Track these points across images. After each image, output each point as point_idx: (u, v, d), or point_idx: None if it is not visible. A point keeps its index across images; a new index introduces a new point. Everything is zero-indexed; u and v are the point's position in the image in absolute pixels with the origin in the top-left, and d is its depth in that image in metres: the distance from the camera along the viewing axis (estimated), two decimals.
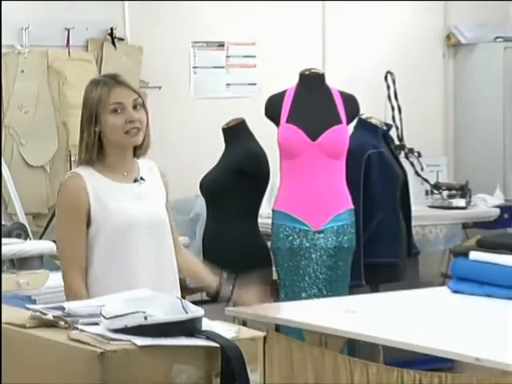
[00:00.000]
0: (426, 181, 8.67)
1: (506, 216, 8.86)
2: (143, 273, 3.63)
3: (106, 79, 3.65)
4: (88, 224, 3.58)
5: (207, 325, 3.00)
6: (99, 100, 3.53)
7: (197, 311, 2.92)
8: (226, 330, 3.02)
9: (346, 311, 5.07)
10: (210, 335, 2.88)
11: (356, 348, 5.39)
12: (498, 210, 8.64)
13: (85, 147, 3.58)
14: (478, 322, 5.37)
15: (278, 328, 5.18)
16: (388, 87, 8.83)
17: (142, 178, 3.68)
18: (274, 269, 6.60)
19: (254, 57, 8.33)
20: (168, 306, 2.99)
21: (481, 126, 9.72)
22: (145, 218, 3.62)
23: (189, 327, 2.92)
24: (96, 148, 3.57)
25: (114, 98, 3.54)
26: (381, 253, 7.05)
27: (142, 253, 3.61)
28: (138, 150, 3.68)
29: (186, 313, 2.90)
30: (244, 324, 5.09)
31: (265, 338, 3.44)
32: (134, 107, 3.56)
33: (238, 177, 6.54)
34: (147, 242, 3.62)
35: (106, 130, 3.57)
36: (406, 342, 4.84)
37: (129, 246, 3.59)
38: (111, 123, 3.53)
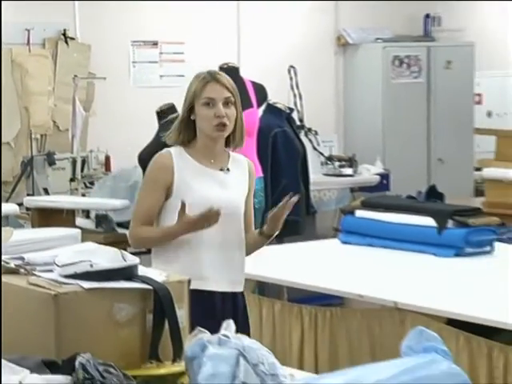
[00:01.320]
0: (322, 154, 8.73)
1: (384, 182, 9.00)
2: (207, 253, 3.47)
3: (207, 75, 3.49)
4: (168, 196, 3.48)
5: (142, 271, 3.05)
6: (195, 92, 3.41)
7: (133, 260, 2.97)
8: (158, 275, 3.05)
9: (255, 258, 5.00)
10: (144, 279, 2.93)
11: (265, 289, 5.41)
12: (378, 177, 8.78)
13: (181, 130, 3.46)
14: (361, 265, 5.47)
15: None
16: (291, 78, 8.92)
17: (228, 169, 3.50)
18: None
19: (182, 53, 8.45)
20: (110, 256, 3.01)
21: (364, 110, 9.81)
22: (221, 204, 3.37)
23: (127, 273, 2.95)
24: (190, 133, 3.46)
25: (207, 93, 3.40)
26: None
27: (208, 235, 3.41)
28: (230, 143, 3.51)
29: (125, 261, 2.94)
30: None
31: (189, 281, 3.47)
32: (226, 104, 3.39)
33: None
34: (217, 227, 3.38)
35: (198, 120, 3.45)
36: (305, 282, 4.95)
37: None
38: (202, 115, 3.40)
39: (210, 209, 3.34)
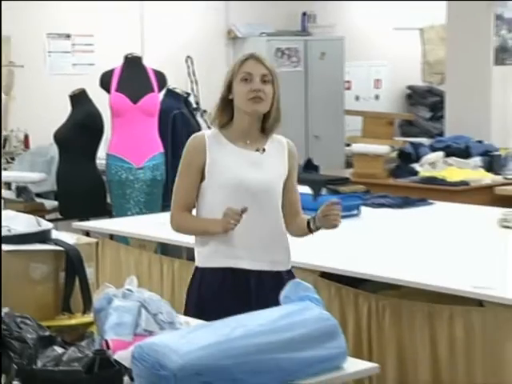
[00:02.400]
0: None
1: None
2: (242, 233, 3.11)
3: (246, 55, 3.17)
4: (202, 178, 3.17)
5: (56, 235, 3.04)
6: (233, 70, 3.11)
7: (47, 225, 2.98)
8: (70, 238, 3.04)
9: (159, 223, 4.99)
10: (57, 242, 2.93)
11: (169, 249, 5.29)
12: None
13: (218, 112, 3.13)
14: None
15: (112, 237, 5.11)
16: (188, 67, 8.92)
17: (263, 150, 3.15)
18: (108, 195, 6.65)
19: (91, 45, 8.38)
20: (26, 222, 3.00)
21: None
22: (255, 184, 3.10)
23: (41, 236, 2.95)
24: (227, 114, 3.12)
25: (244, 68, 3.08)
26: None
27: (243, 215, 3.07)
28: (266, 124, 3.15)
29: (40, 226, 2.93)
30: (87, 234, 4.98)
31: (97, 243, 3.51)
32: (263, 81, 3.07)
33: (81, 131, 6.55)
34: (253, 207, 3.06)
35: (235, 97, 3.12)
36: None
37: (233, 205, 3.05)
38: (239, 90, 3.06)
39: (229, 209, 3.04)
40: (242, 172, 3.11)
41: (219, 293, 3.14)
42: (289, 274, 3.24)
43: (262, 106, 3.06)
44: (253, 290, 3.15)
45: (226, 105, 3.11)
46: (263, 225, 3.28)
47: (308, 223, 3.21)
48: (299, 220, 3.30)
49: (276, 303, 2.72)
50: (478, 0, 9.05)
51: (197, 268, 3.21)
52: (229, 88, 3.09)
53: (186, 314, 3.06)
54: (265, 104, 3.06)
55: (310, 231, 3.23)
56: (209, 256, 3.14)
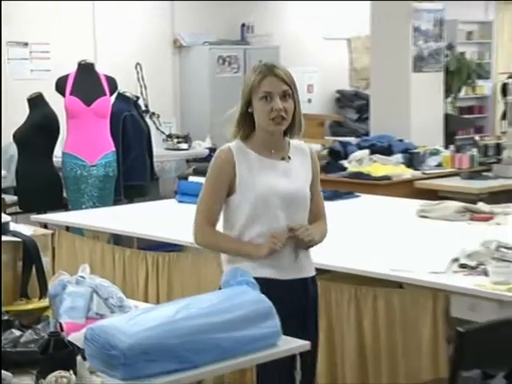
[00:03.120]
0: (163, 132, 8.66)
1: (212, 154, 8.74)
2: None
3: (263, 68, 2.88)
4: (231, 192, 2.95)
5: (14, 227, 3.04)
6: (253, 86, 2.84)
7: (6, 218, 2.98)
8: (27, 230, 3.05)
9: (111, 216, 5.14)
10: (15, 233, 2.94)
11: (121, 239, 5.27)
12: (207, 151, 8.57)
13: (240, 124, 2.89)
14: (192, 219, 5.47)
15: (68, 228, 5.06)
16: (137, 73, 8.79)
17: (289, 157, 2.94)
18: (64, 190, 6.58)
19: (48, 52, 8.29)
20: None
21: (196, 98, 9.62)
22: (287, 193, 2.91)
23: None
24: (248, 126, 2.88)
25: (264, 87, 2.81)
26: (134, 178, 7.01)
27: (276, 223, 2.90)
28: (288, 132, 2.94)
29: None
30: (45, 226, 4.93)
31: (53, 234, 3.47)
32: (283, 97, 2.82)
33: (38, 131, 6.48)
34: (283, 214, 2.90)
35: (255, 113, 2.87)
36: (148, 233, 4.87)
37: (267, 215, 2.88)
38: (259, 109, 2.81)
39: (274, 232, 2.86)
40: (273, 182, 2.91)
41: None
42: (313, 283, 3.06)
43: (284, 125, 2.85)
44: (288, 298, 2.93)
45: (247, 118, 2.88)
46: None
47: None
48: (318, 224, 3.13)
49: (305, 310, 2.77)
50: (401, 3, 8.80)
51: None
52: (248, 103, 2.86)
53: None
54: (286, 122, 2.85)
55: None
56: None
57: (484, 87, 12.17)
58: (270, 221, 2.95)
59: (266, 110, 2.80)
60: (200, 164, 8.06)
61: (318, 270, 3.97)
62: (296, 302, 2.93)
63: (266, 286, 2.79)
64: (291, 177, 2.92)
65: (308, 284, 3.03)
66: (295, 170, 2.96)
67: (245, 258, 2.91)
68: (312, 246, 2.98)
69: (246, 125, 2.90)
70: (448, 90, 9.96)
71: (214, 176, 2.94)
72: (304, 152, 3.02)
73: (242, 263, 2.89)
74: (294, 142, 3.01)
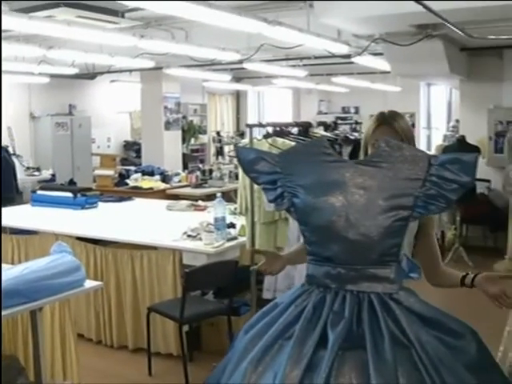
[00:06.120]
0: (24, 165, 8.65)
1: (54, 178, 8.89)
2: None
3: (380, 116, 2.25)
4: None
5: None
6: (368, 133, 2.23)
7: None
8: None
9: None
10: None
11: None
12: (50, 176, 8.75)
13: None
14: (45, 215, 5.30)
15: None
16: (9, 131, 9.17)
17: None
18: None
19: None
20: None
21: (44, 146, 9.72)
22: None
23: None
24: None
25: (376, 135, 2.18)
26: (6, 192, 6.94)
27: None
28: None
29: None
30: None
31: None
32: None
33: None
34: None
35: None
36: (15, 223, 4.92)
37: None
38: None
39: None
40: None
41: None
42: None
43: None
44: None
45: None
46: None
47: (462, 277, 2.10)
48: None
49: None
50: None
51: None
52: (365, 150, 2.25)
53: None
54: None
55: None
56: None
57: (204, 138, 12.83)
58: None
59: None
60: (46, 183, 7.69)
61: (110, 242, 4.33)
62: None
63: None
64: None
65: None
66: None
67: None
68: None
69: None
70: (184, 140, 11.18)
71: None
72: None
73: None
74: None
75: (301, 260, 2.10)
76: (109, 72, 8.95)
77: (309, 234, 1.89)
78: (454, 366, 1.66)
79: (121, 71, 9.12)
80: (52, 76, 8.75)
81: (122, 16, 5.06)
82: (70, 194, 5.68)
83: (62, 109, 10.63)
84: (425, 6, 3.46)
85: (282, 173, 1.96)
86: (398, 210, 1.79)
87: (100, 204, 5.82)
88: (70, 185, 7.50)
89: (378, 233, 1.76)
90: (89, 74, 8.73)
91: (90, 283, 2.97)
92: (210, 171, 8.70)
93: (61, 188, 6.00)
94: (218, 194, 4.31)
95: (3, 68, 6.78)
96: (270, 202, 1.99)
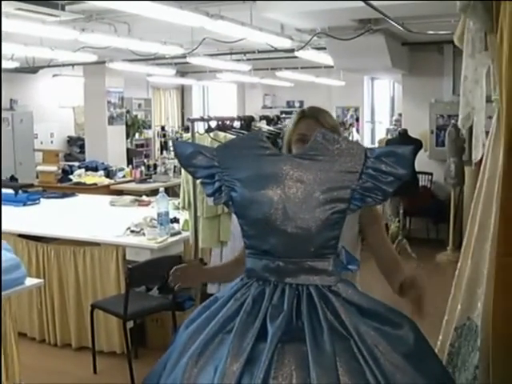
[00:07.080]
0: None
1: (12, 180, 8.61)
2: None
3: (302, 111, 2.17)
4: None
5: None
6: (291, 128, 2.15)
7: None
8: None
9: None
10: None
11: None
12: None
13: None
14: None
15: None
16: None
17: None
18: None
19: None
20: None
21: None
22: None
23: None
24: None
25: (299, 129, 2.11)
26: None
27: None
28: None
29: None
30: None
31: None
32: None
33: None
34: None
35: None
36: None
37: None
38: (295, 151, 2.08)
39: None
40: None
41: None
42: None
43: None
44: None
45: None
46: None
47: None
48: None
49: None
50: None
51: None
52: (288, 146, 2.16)
53: None
54: None
55: None
56: None
57: (149, 133, 12.81)
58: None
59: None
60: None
61: (54, 239, 4.25)
62: None
63: None
64: None
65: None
66: None
67: None
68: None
69: None
70: (128, 135, 11.18)
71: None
72: None
73: None
74: None
75: (227, 276, 2.12)
76: (50, 66, 8.93)
77: (247, 227, 1.90)
78: (393, 356, 1.68)
79: (63, 65, 9.11)
80: None
81: (63, 9, 5.03)
82: (11, 191, 5.63)
83: (3, 103, 10.53)
84: (365, 1, 3.53)
85: (219, 167, 1.96)
86: (335, 202, 1.78)
87: (42, 200, 5.77)
88: (11, 181, 7.50)
89: (315, 226, 1.76)
90: (30, 68, 8.62)
91: (30, 281, 2.97)
92: (155, 166, 8.71)
93: (1, 184, 5.83)
94: (161, 189, 4.31)
95: None
96: (208, 196, 1.99)
